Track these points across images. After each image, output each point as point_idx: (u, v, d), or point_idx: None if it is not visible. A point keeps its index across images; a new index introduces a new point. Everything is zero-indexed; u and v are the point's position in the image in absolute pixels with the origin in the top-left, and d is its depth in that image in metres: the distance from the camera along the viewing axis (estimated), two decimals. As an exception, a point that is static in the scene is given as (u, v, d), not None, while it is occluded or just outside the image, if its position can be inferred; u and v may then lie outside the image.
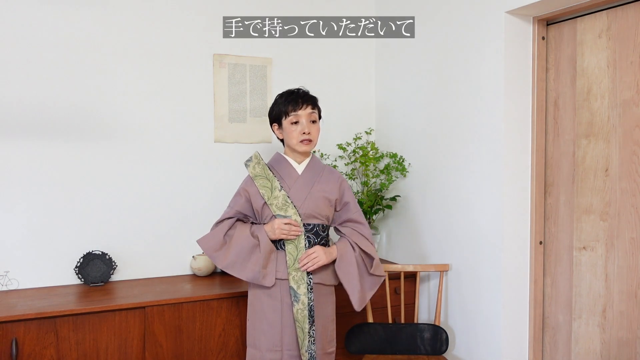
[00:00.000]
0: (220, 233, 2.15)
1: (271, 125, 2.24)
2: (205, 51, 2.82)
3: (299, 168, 2.21)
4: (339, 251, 2.16)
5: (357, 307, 2.14)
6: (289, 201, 2.12)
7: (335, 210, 2.24)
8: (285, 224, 2.09)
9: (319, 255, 2.11)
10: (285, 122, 2.15)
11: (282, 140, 2.24)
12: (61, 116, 2.54)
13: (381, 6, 3.15)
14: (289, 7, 2.99)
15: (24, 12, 2.47)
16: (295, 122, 2.13)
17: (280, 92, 2.24)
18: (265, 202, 2.14)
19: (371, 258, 2.19)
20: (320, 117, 2.22)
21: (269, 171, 2.17)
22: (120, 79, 2.65)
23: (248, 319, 2.19)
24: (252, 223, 2.21)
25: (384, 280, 2.61)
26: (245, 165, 2.21)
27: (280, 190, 2.13)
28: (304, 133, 2.13)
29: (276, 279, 2.12)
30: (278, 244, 2.15)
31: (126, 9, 2.65)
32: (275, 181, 2.14)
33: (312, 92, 2.25)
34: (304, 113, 2.13)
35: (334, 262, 2.17)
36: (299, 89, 2.20)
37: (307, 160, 2.23)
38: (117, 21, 2.63)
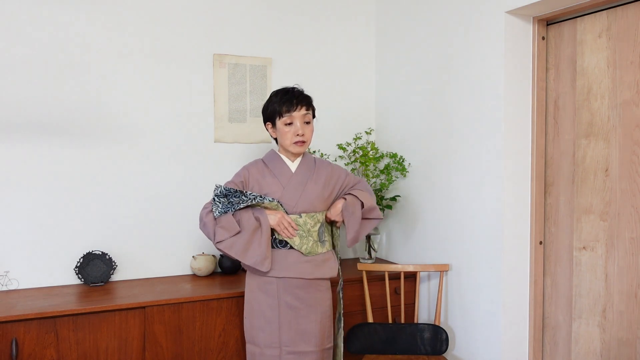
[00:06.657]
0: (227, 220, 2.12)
1: (265, 123, 2.24)
2: (205, 51, 2.81)
3: (293, 166, 2.22)
4: (347, 200, 2.22)
5: (349, 244, 2.24)
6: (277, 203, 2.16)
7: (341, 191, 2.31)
8: (288, 222, 2.10)
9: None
10: (279, 122, 2.15)
11: (275, 139, 2.24)
12: (61, 116, 2.54)
13: (381, 6, 3.15)
14: (289, 6, 2.99)
15: (25, 12, 2.47)
16: (289, 124, 2.14)
17: (276, 89, 2.23)
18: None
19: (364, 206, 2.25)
20: (314, 116, 2.22)
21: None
22: (120, 79, 2.65)
23: (245, 317, 2.19)
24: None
25: (384, 277, 2.62)
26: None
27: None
28: (297, 135, 2.14)
29: (274, 277, 2.12)
30: (278, 243, 2.15)
31: (126, 9, 2.65)
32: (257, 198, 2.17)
33: (312, 92, 2.24)
34: (298, 114, 2.13)
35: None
36: (293, 88, 2.19)
37: (300, 157, 2.24)
38: (117, 21, 2.63)
